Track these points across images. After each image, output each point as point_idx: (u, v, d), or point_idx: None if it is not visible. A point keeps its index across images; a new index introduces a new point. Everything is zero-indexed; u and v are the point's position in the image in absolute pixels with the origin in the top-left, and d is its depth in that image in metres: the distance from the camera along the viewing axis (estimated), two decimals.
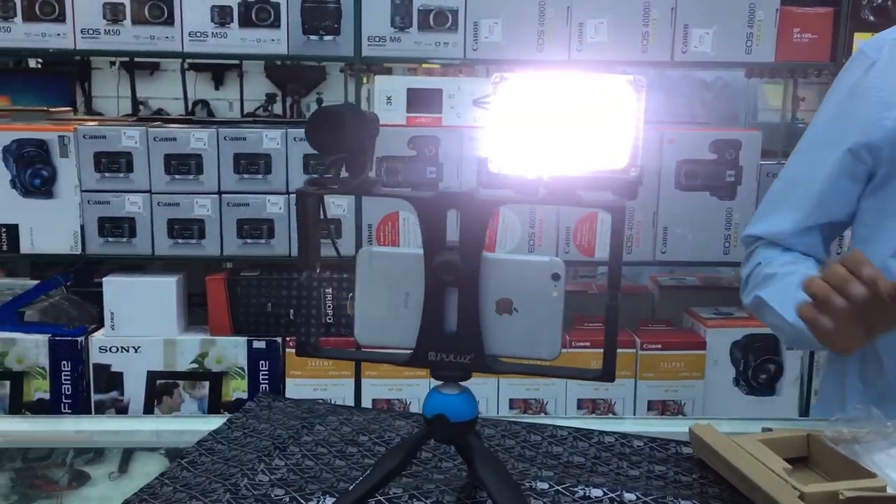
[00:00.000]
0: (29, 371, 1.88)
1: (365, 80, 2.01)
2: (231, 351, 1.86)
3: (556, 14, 1.80)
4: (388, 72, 1.97)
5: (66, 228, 1.83)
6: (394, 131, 1.80)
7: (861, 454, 0.93)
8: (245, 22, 1.78)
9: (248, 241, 1.81)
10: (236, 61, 4.79)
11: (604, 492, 0.88)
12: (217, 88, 5.88)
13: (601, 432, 1.04)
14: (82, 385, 1.88)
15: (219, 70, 5.73)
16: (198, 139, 1.77)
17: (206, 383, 1.87)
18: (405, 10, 1.78)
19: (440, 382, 0.82)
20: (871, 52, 1.18)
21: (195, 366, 1.86)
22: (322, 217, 0.81)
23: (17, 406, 1.88)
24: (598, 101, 0.76)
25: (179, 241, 1.81)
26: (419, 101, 1.82)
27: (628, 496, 0.88)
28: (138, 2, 1.77)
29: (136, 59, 4.87)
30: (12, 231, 1.83)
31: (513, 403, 1.89)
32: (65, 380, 1.87)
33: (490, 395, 1.91)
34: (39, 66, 4.25)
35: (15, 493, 0.90)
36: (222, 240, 1.81)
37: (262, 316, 1.84)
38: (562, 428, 1.05)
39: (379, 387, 1.90)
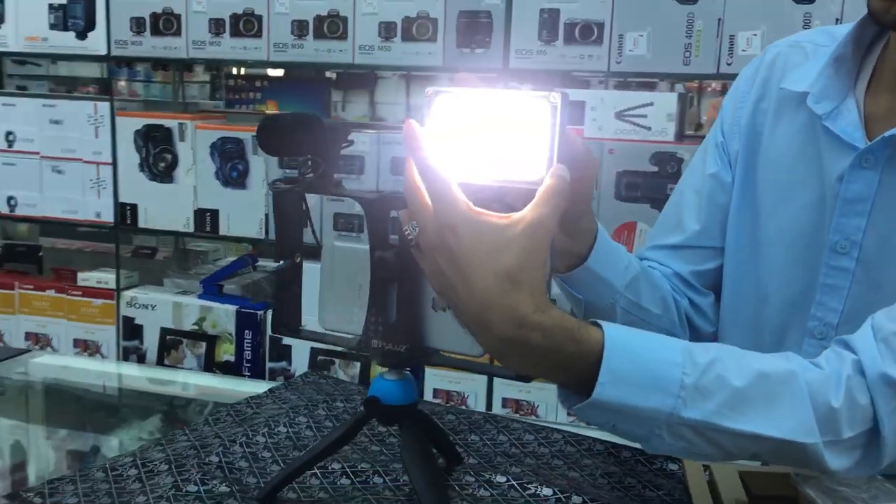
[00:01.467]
0: (220, 336, 2.19)
1: None
2: None
3: (706, 26, 1.77)
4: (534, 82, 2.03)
5: (255, 215, 2.11)
6: None
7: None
8: (406, 36, 1.95)
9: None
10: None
11: (554, 492, 0.92)
12: None
13: (594, 440, 1.07)
14: (259, 353, 2.15)
15: None
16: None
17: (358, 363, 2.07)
18: (552, 24, 1.85)
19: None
20: (765, 55, 1.08)
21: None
22: (305, 210, 0.94)
23: (210, 365, 2.20)
24: (518, 117, 0.81)
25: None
26: None
27: (576, 498, 0.91)
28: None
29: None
30: (214, 215, 2.15)
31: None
32: (246, 346, 2.16)
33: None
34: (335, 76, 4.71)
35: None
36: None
37: None
38: (558, 431, 1.09)
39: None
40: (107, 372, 1.35)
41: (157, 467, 0.95)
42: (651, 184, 1.83)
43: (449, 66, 1.94)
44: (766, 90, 1.06)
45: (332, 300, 0.92)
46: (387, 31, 1.96)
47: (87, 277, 2.35)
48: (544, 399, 1.96)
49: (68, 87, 6.21)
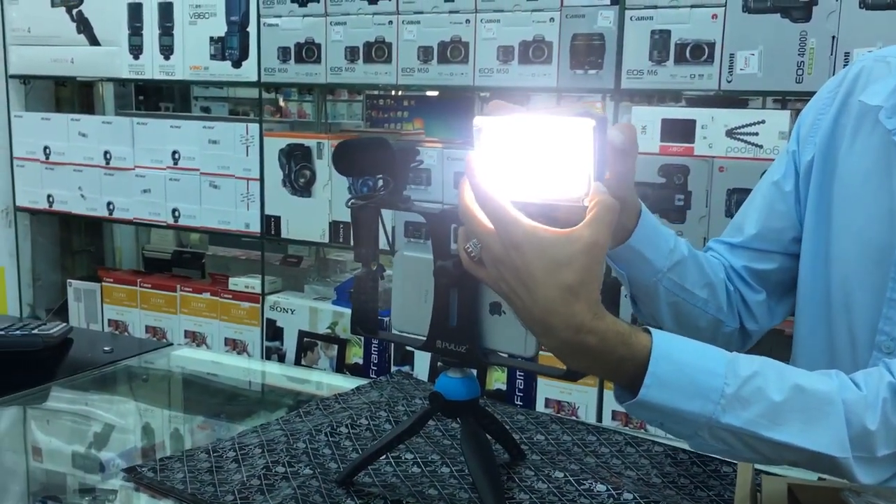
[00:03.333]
0: (350, 339, 2.35)
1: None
2: None
3: (819, 44, 1.76)
4: (646, 102, 2.07)
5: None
6: (645, 159, 1.92)
7: None
8: (523, 59, 2.04)
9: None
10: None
11: (607, 488, 0.99)
12: None
13: (653, 442, 1.12)
14: (385, 356, 2.30)
15: None
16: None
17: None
18: (663, 44, 1.89)
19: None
20: (850, 68, 1.09)
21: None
22: (381, 224, 1.05)
23: (341, 366, 2.36)
24: (560, 141, 0.88)
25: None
26: (672, 130, 1.90)
27: (627, 496, 0.97)
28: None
29: None
30: (347, 227, 2.32)
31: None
32: (373, 350, 2.31)
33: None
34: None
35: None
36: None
37: None
38: (619, 433, 1.15)
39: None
40: (233, 366, 1.52)
41: (252, 451, 1.09)
42: None
43: (563, 86, 2.02)
44: (848, 104, 1.07)
45: (401, 304, 1.02)
46: (505, 54, 2.06)
47: (237, 282, 2.59)
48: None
49: (244, 109, 6.72)
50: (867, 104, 1.03)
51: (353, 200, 1.02)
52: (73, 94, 3.23)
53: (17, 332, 1.52)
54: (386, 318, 1.09)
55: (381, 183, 1.00)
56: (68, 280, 3.00)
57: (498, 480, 0.96)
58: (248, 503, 0.95)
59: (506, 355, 0.96)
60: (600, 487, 0.99)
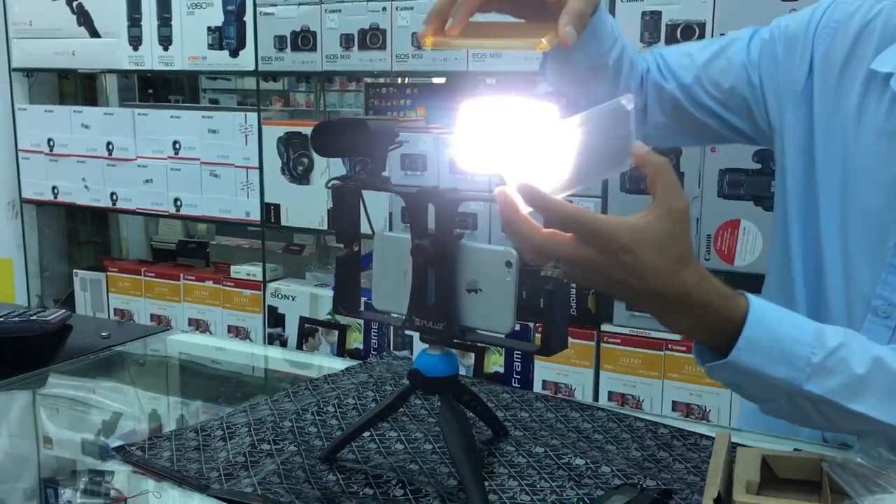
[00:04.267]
0: (351, 325, 2.37)
1: None
2: None
3: None
4: None
5: (381, 215, 2.28)
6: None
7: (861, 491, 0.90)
8: None
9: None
10: None
11: (586, 462, 1.00)
12: None
13: (636, 418, 1.13)
14: (385, 341, 2.32)
15: None
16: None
17: (473, 355, 2.19)
18: (654, 25, 1.89)
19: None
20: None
21: None
22: (362, 205, 1.06)
23: (342, 351, 2.39)
24: (540, 125, 0.89)
25: None
26: None
27: (604, 468, 0.99)
28: None
29: None
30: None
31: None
32: (372, 335, 2.33)
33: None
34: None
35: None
36: None
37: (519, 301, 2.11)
38: (602, 410, 1.16)
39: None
40: (229, 349, 1.54)
41: (239, 430, 1.11)
42: (754, 181, 1.84)
43: None
44: (856, 54, 1.04)
45: (382, 283, 1.04)
46: None
47: (239, 270, 2.61)
48: (649, 394, 2.00)
49: (252, 100, 6.75)
50: (878, 72, 1.01)
51: (332, 181, 1.03)
52: (76, 87, 3.26)
53: (16, 318, 1.55)
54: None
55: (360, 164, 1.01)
56: (74, 270, 3.04)
57: (475, 454, 0.97)
58: (233, 479, 0.97)
59: (483, 332, 0.98)
60: (579, 461, 1.00)
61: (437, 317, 0.98)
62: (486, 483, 0.95)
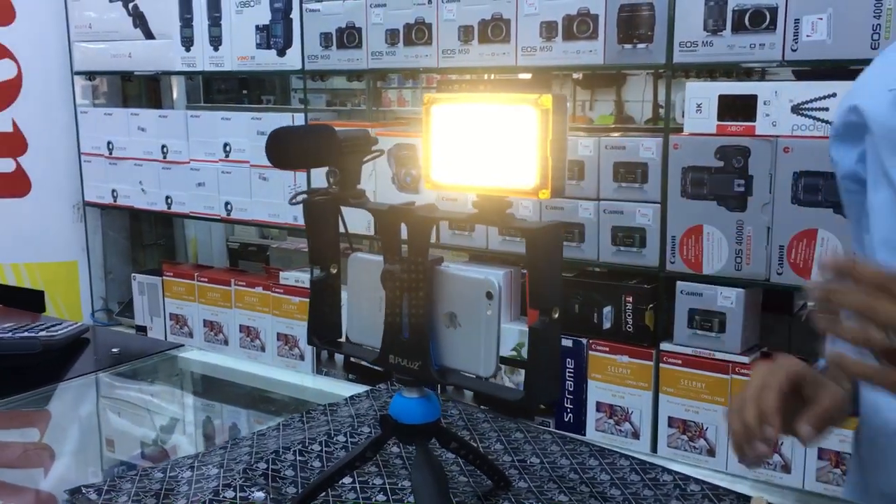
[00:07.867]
0: None
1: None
2: None
3: None
4: (702, 77, 1.87)
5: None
6: (701, 141, 1.73)
7: None
8: (567, 35, 1.87)
9: (622, 248, 1.90)
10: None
11: None
12: None
13: (663, 469, 0.97)
14: None
15: None
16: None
17: (523, 371, 2.03)
18: (719, 12, 1.69)
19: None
20: None
21: (513, 353, 2.03)
22: (341, 221, 0.93)
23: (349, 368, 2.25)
24: (510, 125, 0.75)
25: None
26: (731, 108, 1.70)
27: None
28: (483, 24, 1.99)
29: None
30: None
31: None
32: None
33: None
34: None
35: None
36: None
37: (569, 314, 1.93)
38: (625, 457, 1.00)
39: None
40: (238, 370, 1.44)
41: (209, 471, 0.99)
42: (833, 186, 1.61)
43: (610, 62, 1.84)
44: None
45: (356, 312, 0.91)
46: (548, 31, 1.90)
47: (288, 276, 2.52)
48: (713, 421, 1.80)
49: (341, 99, 6.72)
50: None
51: (298, 195, 0.90)
52: (140, 89, 3.24)
53: (23, 333, 1.48)
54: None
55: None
56: (133, 274, 3.01)
57: None
58: None
59: (466, 374, 0.83)
60: None
61: (412, 354, 0.84)
62: None
